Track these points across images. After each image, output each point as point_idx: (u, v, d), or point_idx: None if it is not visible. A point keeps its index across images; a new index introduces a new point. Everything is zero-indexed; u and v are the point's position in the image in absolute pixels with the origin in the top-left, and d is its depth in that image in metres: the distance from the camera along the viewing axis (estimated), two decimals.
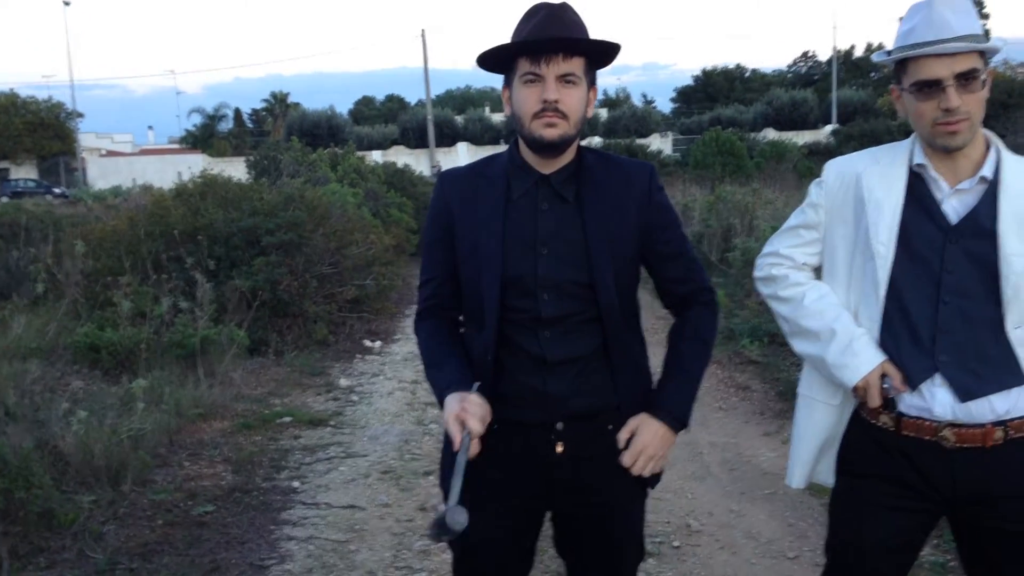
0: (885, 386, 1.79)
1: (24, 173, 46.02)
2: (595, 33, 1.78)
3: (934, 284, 1.77)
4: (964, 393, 1.74)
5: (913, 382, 1.78)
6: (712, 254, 10.29)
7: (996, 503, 1.76)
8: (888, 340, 1.81)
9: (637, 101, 69.18)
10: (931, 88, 1.72)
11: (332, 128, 46.61)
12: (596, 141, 37.22)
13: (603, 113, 50.67)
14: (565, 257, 1.79)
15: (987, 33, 1.91)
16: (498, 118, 49.49)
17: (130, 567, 3.41)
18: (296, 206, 7.99)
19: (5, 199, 31.23)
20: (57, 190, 39.30)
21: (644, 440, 1.80)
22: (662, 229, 1.88)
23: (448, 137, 47.98)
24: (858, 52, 63.47)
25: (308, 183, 10.86)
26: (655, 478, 1.88)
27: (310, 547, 3.65)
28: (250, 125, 66.17)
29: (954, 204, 1.78)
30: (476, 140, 47.94)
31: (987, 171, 1.77)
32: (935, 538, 3.31)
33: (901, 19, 1.81)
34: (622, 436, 1.81)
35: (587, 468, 1.83)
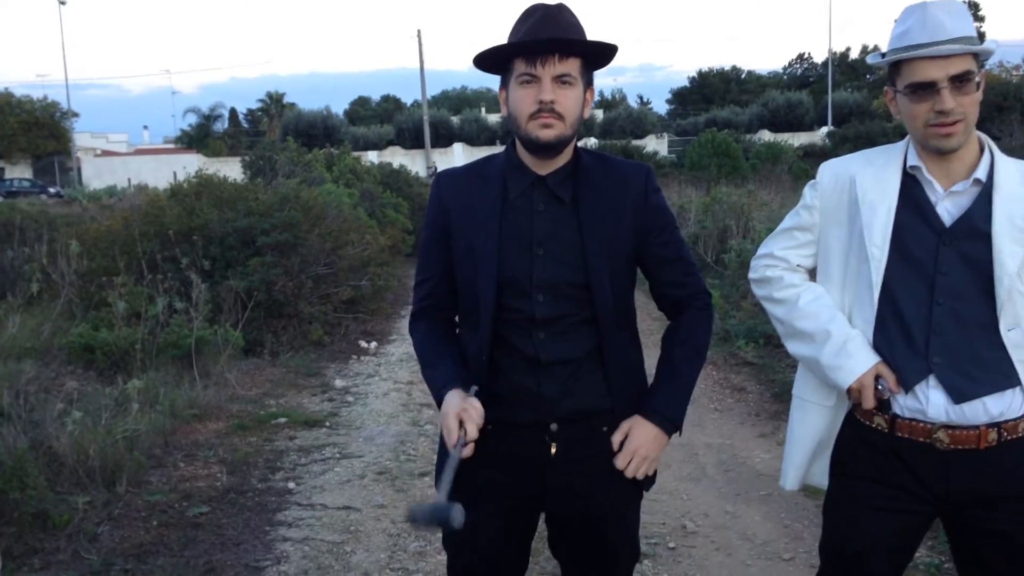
0: (879, 388, 1.79)
1: (19, 173, 45.83)
2: (592, 34, 1.78)
3: (928, 286, 1.77)
4: (958, 395, 1.74)
5: (907, 384, 1.78)
6: (708, 255, 10.30)
7: (989, 504, 1.76)
8: (882, 342, 1.81)
9: (633, 102, 69.40)
10: (925, 90, 1.72)
11: (328, 128, 46.64)
12: (592, 142, 37.23)
13: (599, 114, 50.75)
14: (561, 258, 1.79)
15: (982, 35, 1.91)
16: (494, 119, 49.48)
17: (125, 568, 3.40)
18: (292, 206, 7.99)
19: (0, 199, 31.13)
20: (52, 190, 39.14)
21: (637, 442, 1.80)
22: (658, 231, 1.87)
23: (444, 138, 47.99)
24: (854, 54, 63.67)
25: (304, 183, 10.86)
26: (649, 480, 1.88)
27: (305, 548, 3.65)
28: (246, 125, 66.02)
29: (948, 206, 1.79)
30: (472, 141, 47.95)
31: (981, 173, 1.77)
32: (929, 539, 3.31)
33: (896, 21, 1.81)
34: (615, 438, 1.81)
35: (581, 470, 1.83)
